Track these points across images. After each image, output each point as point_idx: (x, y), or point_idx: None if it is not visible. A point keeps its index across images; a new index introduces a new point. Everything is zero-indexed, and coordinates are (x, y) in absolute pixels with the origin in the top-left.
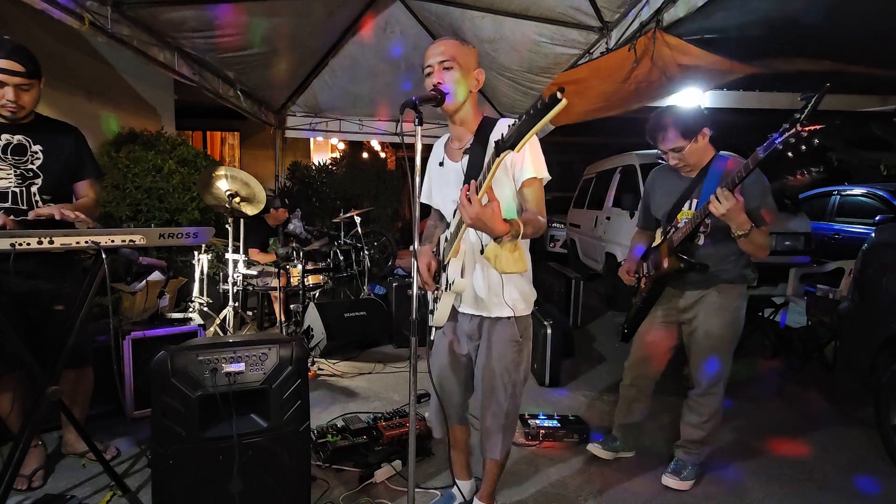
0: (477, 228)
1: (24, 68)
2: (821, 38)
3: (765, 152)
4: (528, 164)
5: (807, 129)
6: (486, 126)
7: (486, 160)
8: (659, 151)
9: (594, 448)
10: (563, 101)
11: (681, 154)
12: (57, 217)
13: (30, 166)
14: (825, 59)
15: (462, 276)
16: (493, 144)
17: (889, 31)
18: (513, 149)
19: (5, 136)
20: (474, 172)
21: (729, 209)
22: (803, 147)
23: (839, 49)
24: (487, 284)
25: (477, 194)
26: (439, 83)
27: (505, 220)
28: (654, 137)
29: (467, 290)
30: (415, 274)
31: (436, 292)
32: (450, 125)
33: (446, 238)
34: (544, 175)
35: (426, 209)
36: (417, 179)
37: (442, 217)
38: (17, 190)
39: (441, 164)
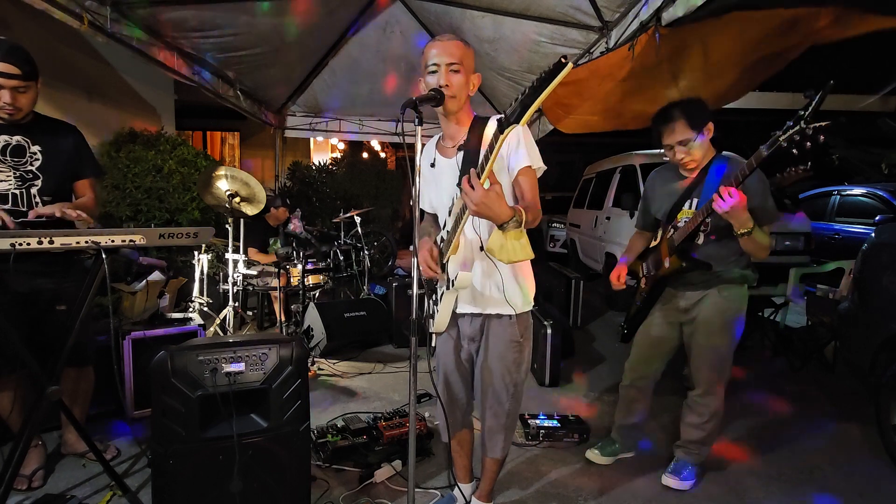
0: (481, 215)
1: (21, 70)
2: None
3: (768, 150)
4: (522, 153)
5: (811, 126)
6: (478, 123)
7: (485, 148)
8: (662, 151)
9: (592, 455)
10: (569, 66)
11: (687, 147)
12: (58, 215)
13: (29, 167)
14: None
15: (465, 270)
16: (496, 123)
17: None
18: (517, 122)
19: (3, 138)
20: (470, 165)
21: (732, 206)
22: (808, 144)
23: None
24: (488, 280)
25: (479, 178)
26: (446, 85)
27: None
28: (660, 131)
29: (467, 288)
30: (415, 274)
31: (434, 295)
32: (443, 124)
33: (441, 238)
34: (539, 165)
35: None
36: (418, 179)
37: (435, 221)
38: (17, 192)
39: (433, 164)
